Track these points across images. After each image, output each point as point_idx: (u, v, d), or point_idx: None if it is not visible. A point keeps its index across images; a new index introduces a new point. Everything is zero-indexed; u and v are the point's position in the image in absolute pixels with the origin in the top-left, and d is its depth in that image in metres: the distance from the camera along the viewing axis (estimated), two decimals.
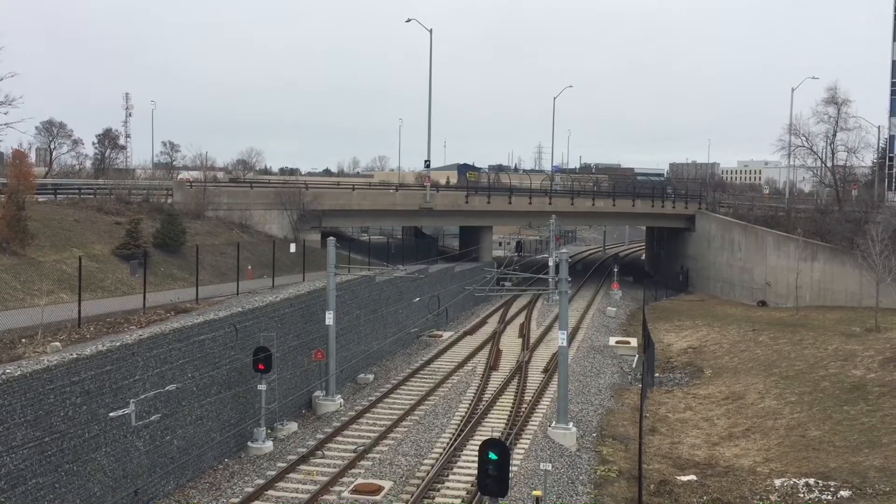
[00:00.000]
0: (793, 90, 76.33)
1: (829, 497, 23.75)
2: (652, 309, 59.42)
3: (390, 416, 30.47)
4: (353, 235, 76.22)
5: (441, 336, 47.52)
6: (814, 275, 57.61)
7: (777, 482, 24.98)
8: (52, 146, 74.74)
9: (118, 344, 21.51)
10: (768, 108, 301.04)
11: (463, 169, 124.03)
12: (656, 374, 40.14)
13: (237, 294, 32.40)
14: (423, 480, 23.76)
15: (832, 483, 24.54)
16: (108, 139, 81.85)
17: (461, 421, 29.90)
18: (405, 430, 28.95)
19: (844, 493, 23.84)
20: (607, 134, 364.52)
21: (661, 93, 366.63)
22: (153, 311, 27.48)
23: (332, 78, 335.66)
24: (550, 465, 23.84)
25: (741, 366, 40.28)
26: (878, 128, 78.78)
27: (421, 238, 79.24)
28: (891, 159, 75.95)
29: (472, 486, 22.95)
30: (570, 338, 43.40)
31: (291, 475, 24.51)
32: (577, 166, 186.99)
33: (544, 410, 31.41)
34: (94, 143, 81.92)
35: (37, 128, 73.02)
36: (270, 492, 23.18)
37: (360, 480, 23.88)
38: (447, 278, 53.88)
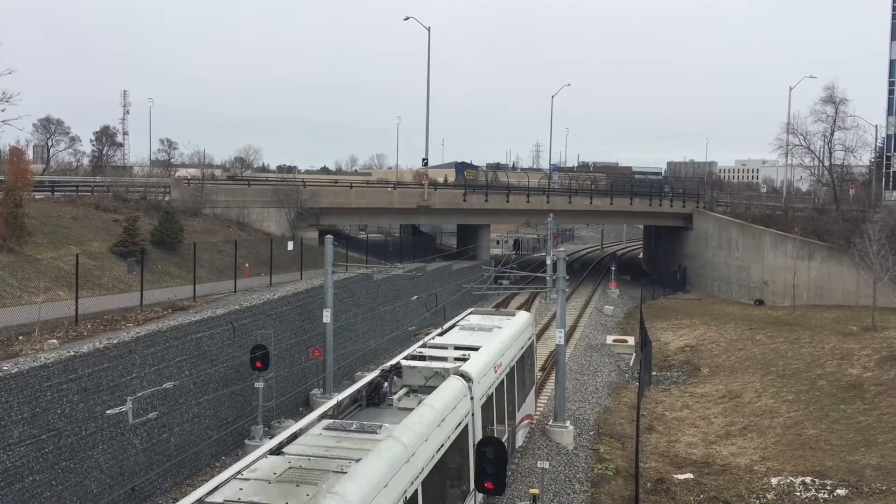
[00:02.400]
0: (791, 89, 76.48)
1: (826, 495, 23.80)
2: (649, 307, 59.47)
3: None
4: (350, 233, 76.18)
5: None
6: (811, 274, 57.67)
7: (774, 481, 25.02)
8: (49, 143, 74.63)
9: (115, 341, 21.49)
10: (766, 107, 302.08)
11: (461, 167, 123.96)
12: (653, 373, 40.18)
13: (235, 292, 32.38)
14: None
15: (829, 481, 24.59)
16: (105, 136, 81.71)
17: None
18: None
19: (841, 492, 23.88)
20: (605, 132, 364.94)
21: (660, 91, 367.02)
22: (150, 309, 27.46)
23: (330, 76, 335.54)
24: (548, 463, 23.84)
25: (738, 364, 40.32)
26: (876, 127, 78.95)
27: (419, 236, 79.25)
28: (888, 158, 76.05)
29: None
30: (568, 336, 43.40)
31: None
32: (575, 165, 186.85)
33: (542, 409, 31.42)
34: (91, 141, 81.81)
35: (34, 125, 72.92)
36: None
37: None
38: (445, 276, 53.89)
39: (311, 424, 15.09)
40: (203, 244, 37.29)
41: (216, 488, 11.57)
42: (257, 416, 27.07)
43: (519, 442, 25.33)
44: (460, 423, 17.19)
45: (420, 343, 23.04)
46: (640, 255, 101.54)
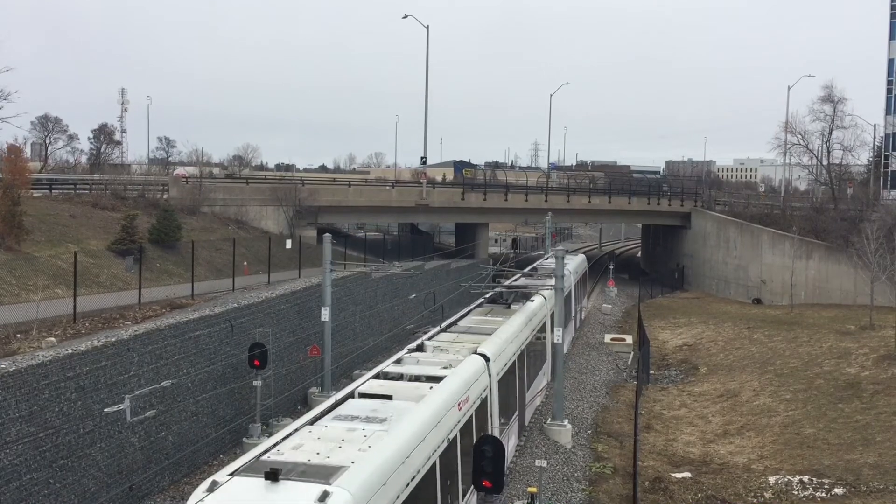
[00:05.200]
0: (789, 88, 76.57)
1: (824, 494, 23.83)
2: (647, 306, 59.50)
3: None
4: (349, 232, 76.16)
5: None
6: (809, 273, 57.72)
7: (771, 479, 25.05)
8: (47, 141, 74.47)
9: (113, 339, 21.47)
10: (765, 106, 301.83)
11: (459, 166, 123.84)
12: (651, 372, 40.19)
13: (233, 290, 32.37)
14: None
15: (826, 480, 24.62)
16: (103, 134, 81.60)
17: None
18: None
19: (838, 491, 23.91)
20: (604, 131, 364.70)
21: (658, 90, 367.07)
22: (149, 307, 27.45)
23: (328, 74, 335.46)
24: (546, 461, 23.85)
25: (736, 363, 40.36)
26: (874, 126, 79.16)
27: (417, 235, 79.22)
28: (886, 157, 76.11)
29: None
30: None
31: None
32: (574, 163, 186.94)
33: (540, 407, 31.42)
34: (89, 139, 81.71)
35: (32, 123, 72.74)
36: None
37: None
38: (443, 275, 53.84)
39: (519, 277, 36.36)
40: (201, 242, 37.28)
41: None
42: (255, 414, 27.07)
43: (582, 316, 44.94)
44: (570, 289, 37.26)
45: (538, 262, 41.53)
46: (639, 254, 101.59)
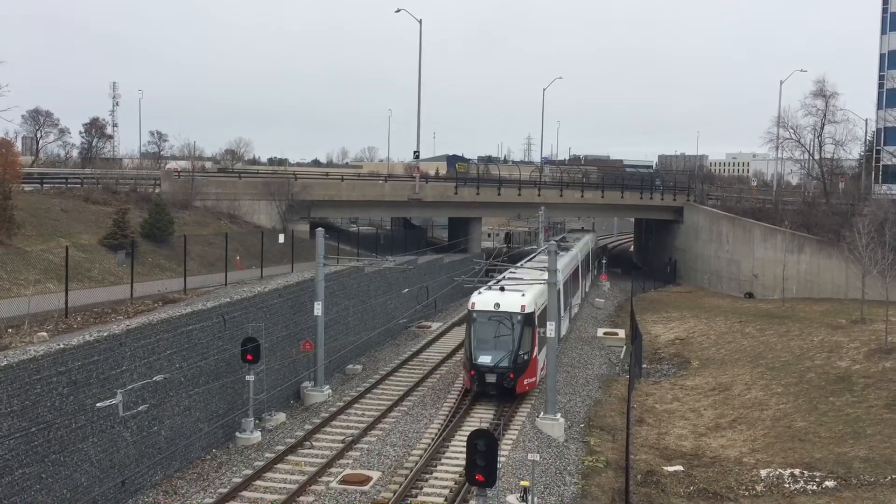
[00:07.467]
0: (781, 83, 76.61)
1: (815, 487, 23.96)
2: (640, 300, 59.63)
3: (378, 407, 30.49)
4: (341, 226, 76.00)
5: (430, 327, 47.52)
6: (800, 267, 57.90)
7: (763, 472, 25.17)
8: (38, 135, 74.18)
9: (105, 334, 21.43)
10: (757, 101, 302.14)
11: (452, 160, 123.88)
12: (644, 365, 40.30)
13: (225, 284, 32.31)
14: (411, 471, 23.80)
15: (817, 473, 24.75)
16: (95, 128, 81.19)
17: (449, 412, 29.93)
18: (393, 420, 28.98)
19: (829, 484, 24.05)
20: (597, 126, 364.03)
21: (651, 85, 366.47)
22: (141, 302, 27.39)
23: (321, 69, 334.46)
24: (538, 455, 23.91)
25: (728, 357, 40.50)
26: (866, 121, 79.25)
27: (410, 229, 79.07)
28: (878, 152, 76.31)
29: (460, 476, 23.00)
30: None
31: (279, 466, 24.51)
32: (567, 158, 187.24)
33: (532, 401, 31.50)
34: (80, 133, 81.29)
35: (23, 116, 72.47)
36: (258, 482, 23.17)
37: (348, 471, 23.90)
38: (436, 269, 53.85)
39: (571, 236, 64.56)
40: (193, 237, 37.17)
41: None
42: (248, 408, 27.06)
43: (595, 273, 63.82)
44: (589, 248, 60.23)
45: (567, 232, 63.88)
46: (631, 249, 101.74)
